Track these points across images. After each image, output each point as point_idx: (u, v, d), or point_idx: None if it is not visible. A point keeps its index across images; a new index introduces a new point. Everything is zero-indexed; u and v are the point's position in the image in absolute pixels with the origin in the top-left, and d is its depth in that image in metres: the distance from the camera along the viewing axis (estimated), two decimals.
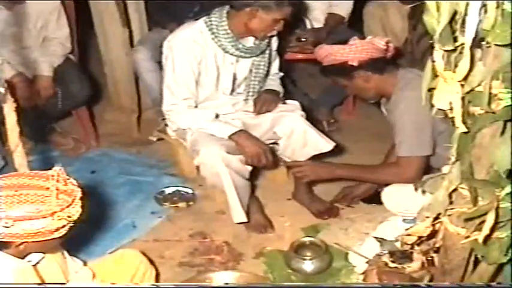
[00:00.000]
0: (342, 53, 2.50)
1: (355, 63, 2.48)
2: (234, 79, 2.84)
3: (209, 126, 2.71)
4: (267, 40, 2.79)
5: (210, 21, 2.69)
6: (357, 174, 2.79)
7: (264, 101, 2.90)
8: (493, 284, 1.82)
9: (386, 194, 2.58)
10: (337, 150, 3.48)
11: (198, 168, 2.80)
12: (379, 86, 2.58)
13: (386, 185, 2.63)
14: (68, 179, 1.63)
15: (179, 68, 2.70)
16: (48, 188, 1.56)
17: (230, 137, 2.65)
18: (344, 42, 2.55)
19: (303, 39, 3.67)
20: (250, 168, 2.71)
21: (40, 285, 1.65)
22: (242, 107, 2.95)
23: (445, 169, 2.13)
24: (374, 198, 2.98)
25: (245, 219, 2.73)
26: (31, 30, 3.34)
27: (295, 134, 2.79)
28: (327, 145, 2.82)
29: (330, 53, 2.55)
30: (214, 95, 2.84)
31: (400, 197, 2.45)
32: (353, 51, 2.48)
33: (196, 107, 2.81)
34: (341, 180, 3.00)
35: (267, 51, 2.87)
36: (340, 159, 3.39)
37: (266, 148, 2.68)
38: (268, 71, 2.96)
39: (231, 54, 2.74)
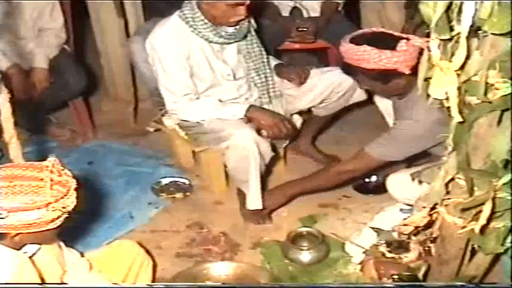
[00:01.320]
0: (395, 60, 2.23)
1: (406, 72, 2.25)
2: (227, 65, 2.83)
3: (220, 113, 2.71)
4: (245, 24, 2.77)
5: (184, 14, 2.68)
6: (310, 185, 2.77)
7: (298, 72, 2.97)
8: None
9: (392, 181, 2.56)
10: (334, 141, 3.51)
11: (195, 157, 2.76)
12: (405, 86, 2.39)
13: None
14: (63, 169, 1.63)
15: (169, 67, 2.70)
16: (42, 179, 1.55)
17: (245, 115, 2.67)
18: (390, 44, 2.24)
19: (304, 29, 3.65)
20: (272, 154, 2.74)
21: (40, 285, 1.65)
22: (246, 91, 2.93)
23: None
24: (371, 189, 2.98)
25: (261, 207, 2.76)
26: (27, 21, 3.32)
27: (342, 87, 2.92)
28: (363, 95, 2.98)
29: (373, 58, 2.25)
30: (216, 83, 2.83)
31: (406, 184, 2.41)
32: (402, 59, 2.22)
33: (197, 98, 2.80)
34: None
35: (252, 33, 2.87)
36: (338, 149, 3.40)
37: (282, 117, 2.73)
38: (266, 51, 2.99)
39: (215, 42, 2.74)
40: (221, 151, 2.76)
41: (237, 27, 2.73)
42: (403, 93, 2.45)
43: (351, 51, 2.31)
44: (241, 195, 2.86)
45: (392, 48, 2.22)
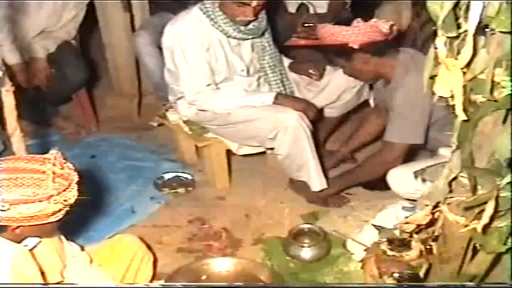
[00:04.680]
0: (344, 34, 2.50)
1: (355, 46, 2.49)
2: (242, 60, 2.85)
3: (249, 100, 2.75)
4: (263, 21, 2.80)
5: (205, 7, 2.70)
6: (358, 177, 2.89)
7: (316, 67, 3.03)
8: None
9: (393, 176, 2.57)
10: (339, 139, 3.49)
11: (198, 152, 2.74)
12: (377, 68, 2.61)
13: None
14: (65, 162, 1.63)
15: (191, 57, 2.71)
16: (44, 172, 1.55)
17: (273, 102, 2.73)
18: (348, 23, 2.53)
19: (310, 25, 3.65)
20: (312, 129, 2.79)
21: (41, 285, 1.65)
22: (255, 88, 2.95)
23: (442, 151, 2.15)
24: (376, 185, 2.96)
25: (325, 186, 2.81)
26: (50, 13, 3.36)
27: (356, 83, 2.98)
28: (368, 95, 3.09)
29: (331, 33, 2.54)
30: (229, 78, 2.85)
31: (406, 179, 2.43)
32: (355, 34, 2.48)
33: (217, 89, 2.82)
34: None
35: (269, 31, 2.91)
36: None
37: (308, 101, 2.81)
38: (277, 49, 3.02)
39: (234, 37, 2.75)
40: (263, 144, 2.81)
41: (255, 24, 2.75)
42: (377, 78, 2.72)
43: (321, 32, 2.61)
44: (299, 185, 2.93)
45: (348, 24, 2.52)
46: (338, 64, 2.75)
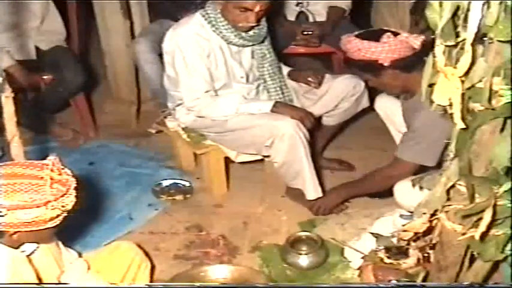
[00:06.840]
0: (374, 51, 2.40)
1: (386, 63, 2.40)
2: (242, 67, 2.86)
3: (247, 107, 2.75)
4: (264, 28, 2.81)
5: (207, 14, 2.71)
6: (361, 189, 2.85)
7: (315, 75, 3.02)
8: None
9: (400, 189, 2.55)
10: (337, 146, 3.50)
11: (196, 159, 2.74)
12: (405, 83, 2.52)
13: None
14: (63, 168, 1.63)
15: (192, 63, 2.71)
16: (42, 178, 1.55)
17: (271, 110, 2.73)
18: (376, 37, 2.42)
19: (309, 33, 3.66)
20: (309, 138, 2.78)
21: (40, 285, 1.64)
22: (254, 96, 2.95)
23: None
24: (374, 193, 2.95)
25: (321, 194, 2.81)
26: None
27: (355, 91, 2.98)
28: (367, 102, 3.07)
29: (359, 49, 2.43)
30: (228, 85, 2.85)
31: (413, 192, 2.40)
32: (385, 51, 2.38)
33: (216, 96, 2.82)
34: None
35: (268, 38, 2.91)
36: (339, 153, 3.40)
37: (306, 111, 2.80)
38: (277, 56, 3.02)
39: (235, 44, 2.76)
40: (260, 151, 2.80)
41: (256, 30, 2.76)
42: (403, 92, 2.60)
43: (347, 45, 2.49)
44: (296, 192, 2.91)
45: (377, 41, 2.39)
46: (363, 78, 2.71)
